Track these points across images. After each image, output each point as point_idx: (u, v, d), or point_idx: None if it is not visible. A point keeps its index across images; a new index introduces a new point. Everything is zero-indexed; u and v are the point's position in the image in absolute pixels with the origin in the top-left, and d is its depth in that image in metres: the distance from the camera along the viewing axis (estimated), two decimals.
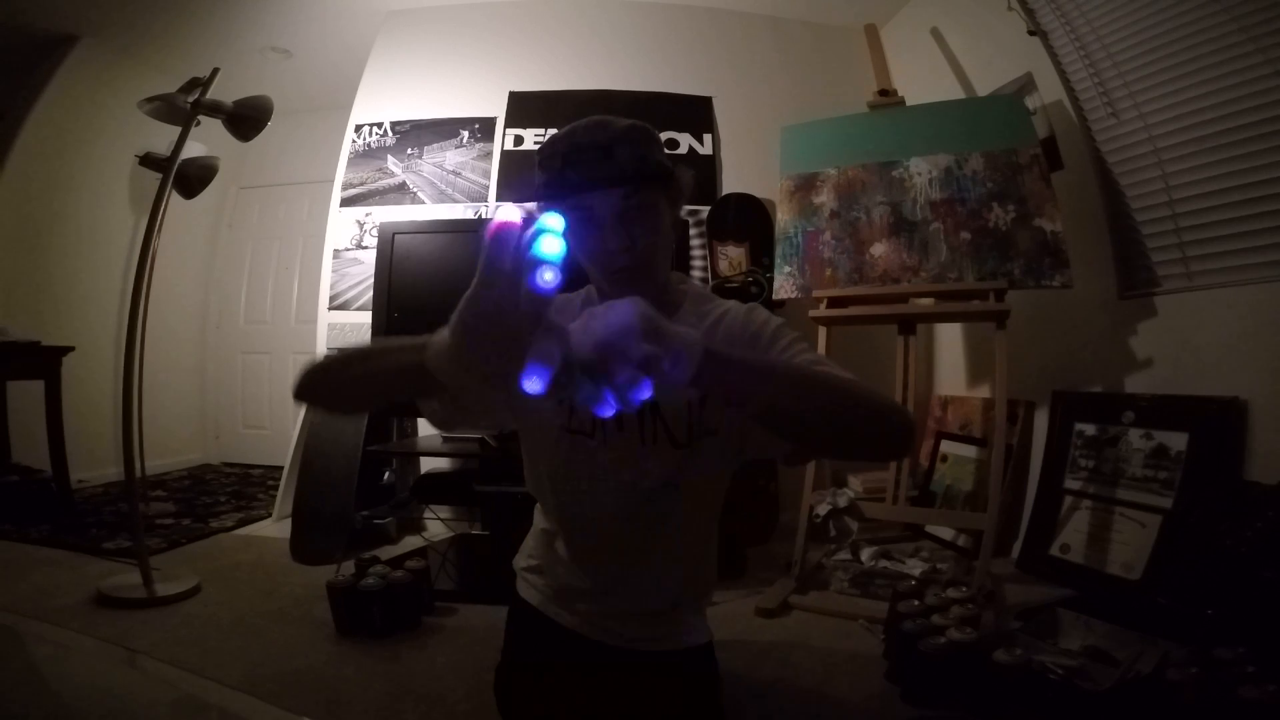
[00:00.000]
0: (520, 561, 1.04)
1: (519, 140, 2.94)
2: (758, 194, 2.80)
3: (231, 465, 4.08)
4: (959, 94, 2.59)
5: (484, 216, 2.87)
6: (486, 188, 2.93)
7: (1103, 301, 2.03)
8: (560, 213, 0.69)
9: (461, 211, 2.91)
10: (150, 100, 1.98)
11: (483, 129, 2.99)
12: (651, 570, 0.90)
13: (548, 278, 0.43)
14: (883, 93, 2.55)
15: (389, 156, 3.02)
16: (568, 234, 0.63)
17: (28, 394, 2.76)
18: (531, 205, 0.57)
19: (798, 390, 0.62)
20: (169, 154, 1.98)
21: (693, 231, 2.81)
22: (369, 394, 0.79)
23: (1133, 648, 1.32)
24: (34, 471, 2.75)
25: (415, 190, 2.97)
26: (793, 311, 2.29)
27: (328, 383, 0.78)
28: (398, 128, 3.04)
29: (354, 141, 3.06)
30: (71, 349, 2.84)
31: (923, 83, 2.71)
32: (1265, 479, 1.55)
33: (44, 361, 2.74)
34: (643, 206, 0.76)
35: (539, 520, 1.00)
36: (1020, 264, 1.91)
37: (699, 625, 1.00)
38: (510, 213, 0.45)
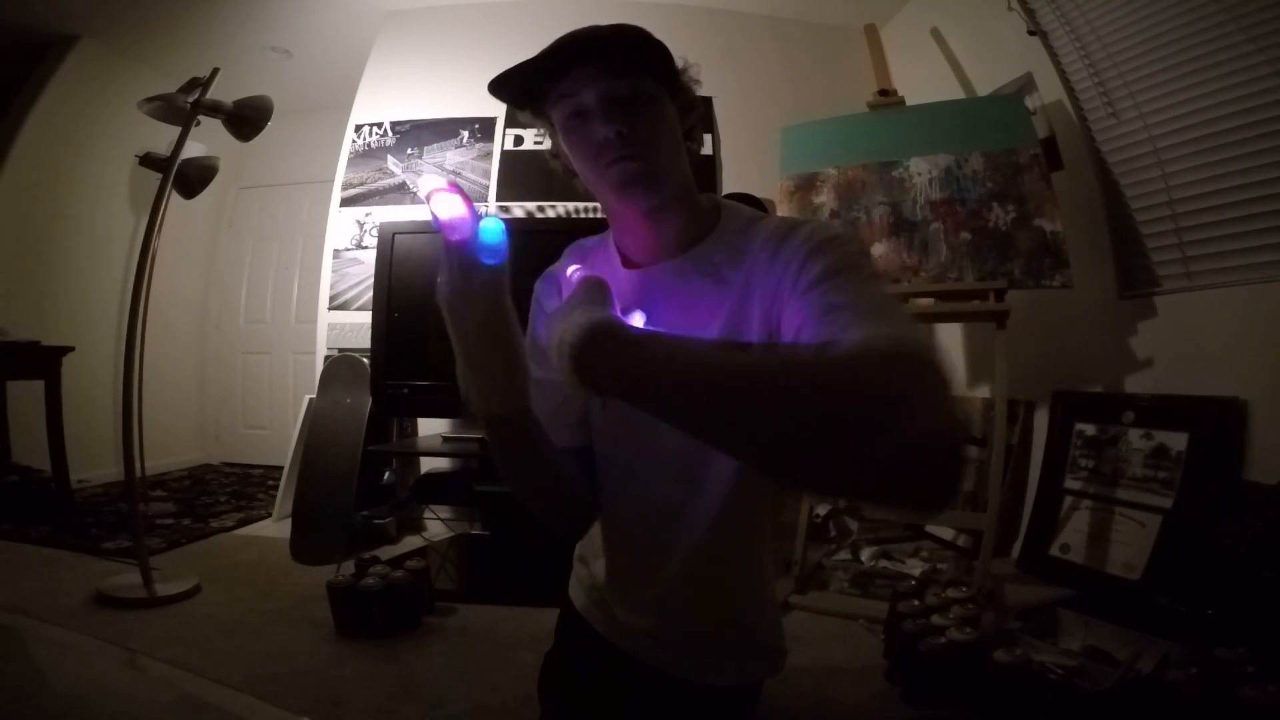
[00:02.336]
0: (577, 551, 0.95)
1: (519, 140, 2.94)
2: (758, 194, 2.77)
3: (231, 465, 4.08)
4: (959, 94, 2.59)
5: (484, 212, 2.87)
6: (486, 188, 2.93)
7: (1103, 301, 2.03)
8: (547, 112, 0.73)
9: None
10: (150, 100, 1.98)
11: (483, 129, 2.99)
12: (677, 575, 0.79)
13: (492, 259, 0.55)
14: (883, 93, 2.54)
15: (389, 156, 3.02)
16: (569, 145, 0.72)
17: (28, 394, 2.76)
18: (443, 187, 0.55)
19: (727, 408, 0.43)
20: (169, 154, 1.98)
21: None
22: (519, 472, 0.70)
23: (1133, 648, 1.32)
24: (34, 471, 2.75)
25: (415, 190, 2.97)
26: None
27: (542, 516, 0.75)
28: (398, 128, 3.04)
29: (354, 141, 3.06)
30: (71, 349, 2.84)
31: (923, 83, 2.71)
32: (1265, 479, 1.55)
33: (44, 361, 2.74)
34: (638, 94, 0.68)
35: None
36: (1020, 264, 1.91)
37: (734, 663, 0.83)
38: (440, 191, 0.53)
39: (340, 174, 3.04)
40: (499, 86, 0.71)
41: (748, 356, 0.49)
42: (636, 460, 0.78)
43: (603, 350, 0.47)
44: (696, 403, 0.45)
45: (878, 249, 2.13)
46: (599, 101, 0.67)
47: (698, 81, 0.76)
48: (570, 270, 0.62)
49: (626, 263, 0.77)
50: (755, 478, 0.75)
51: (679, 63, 0.72)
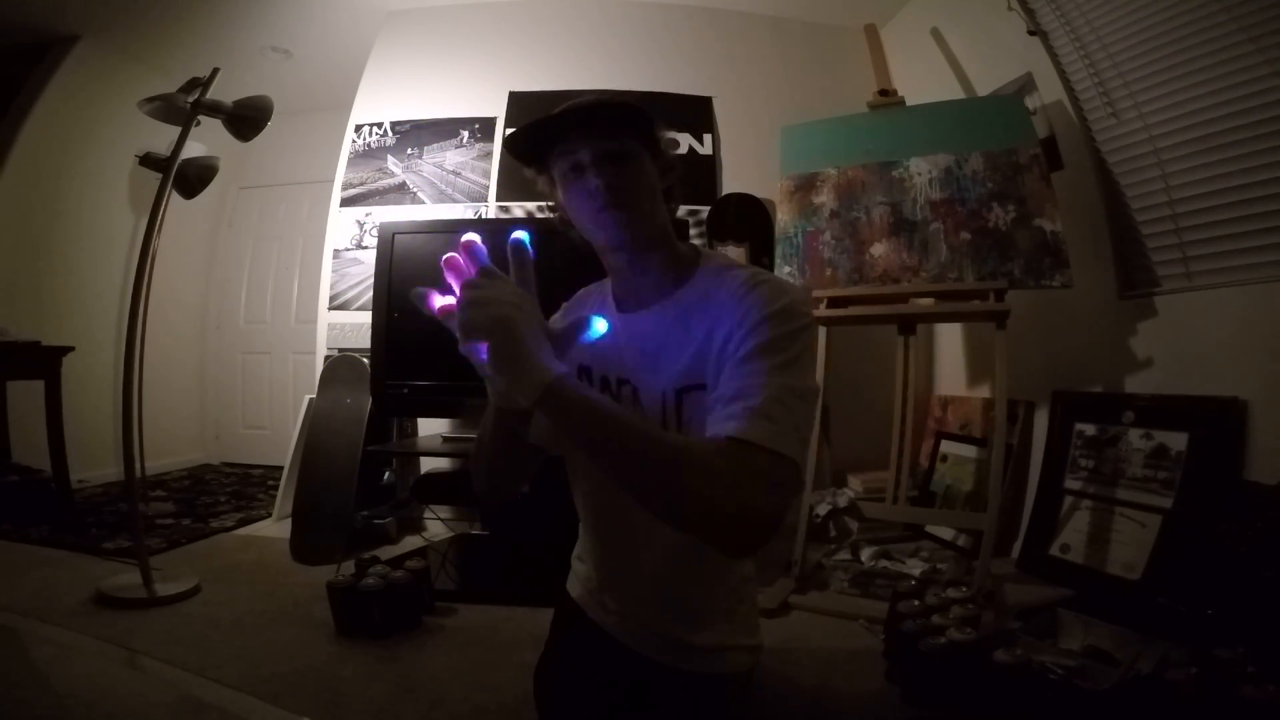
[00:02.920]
0: (575, 552, 1.06)
1: None
2: (758, 194, 2.80)
3: (231, 465, 4.08)
4: (959, 94, 2.59)
5: (484, 217, 2.87)
6: (486, 188, 2.93)
7: (1103, 301, 2.03)
8: (550, 170, 0.85)
9: (461, 211, 2.91)
10: (150, 100, 1.98)
11: (483, 129, 2.99)
12: (655, 567, 0.88)
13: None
14: (883, 93, 2.54)
15: (389, 156, 3.02)
16: (566, 196, 0.85)
17: (28, 394, 2.76)
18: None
19: (620, 467, 0.66)
20: (169, 154, 1.98)
21: (693, 232, 2.81)
22: (498, 460, 0.88)
23: (1133, 648, 1.32)
24: (34, 471, 2.75)
25: (415, 190, 2.97)
26: None
27: (480, 476, 0.91)
28: (398, 128, 3.04)
29: (354, 141, 3.06)
30: (71, 349, 2.84)
31: (923, 83, 2.71)
32: (1265, 479, 1.55)
33: (44, 361, 2.74)
34: (623, 150, 0.80)
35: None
36: (1020, 264, 1.91)
37: (721, 651, 0.91)
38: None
39: (340, 174, 3.04)
40: (512, 145, 0.84)
41: (649, 428, 0.70)
42: (596, 479, 0.90)
43: (555, 400, 0.64)
44: (602, 450, 0.66)
45: (878, 249, 2.13)
46: (592, 157, 0.79)
47: (676, 151, 0.91)
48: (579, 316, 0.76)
49: (620, 305, 0.90)
50: None
51: (660, 131, 0.85)
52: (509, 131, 0.85)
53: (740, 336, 0.75)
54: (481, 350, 0.64)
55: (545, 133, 0.81)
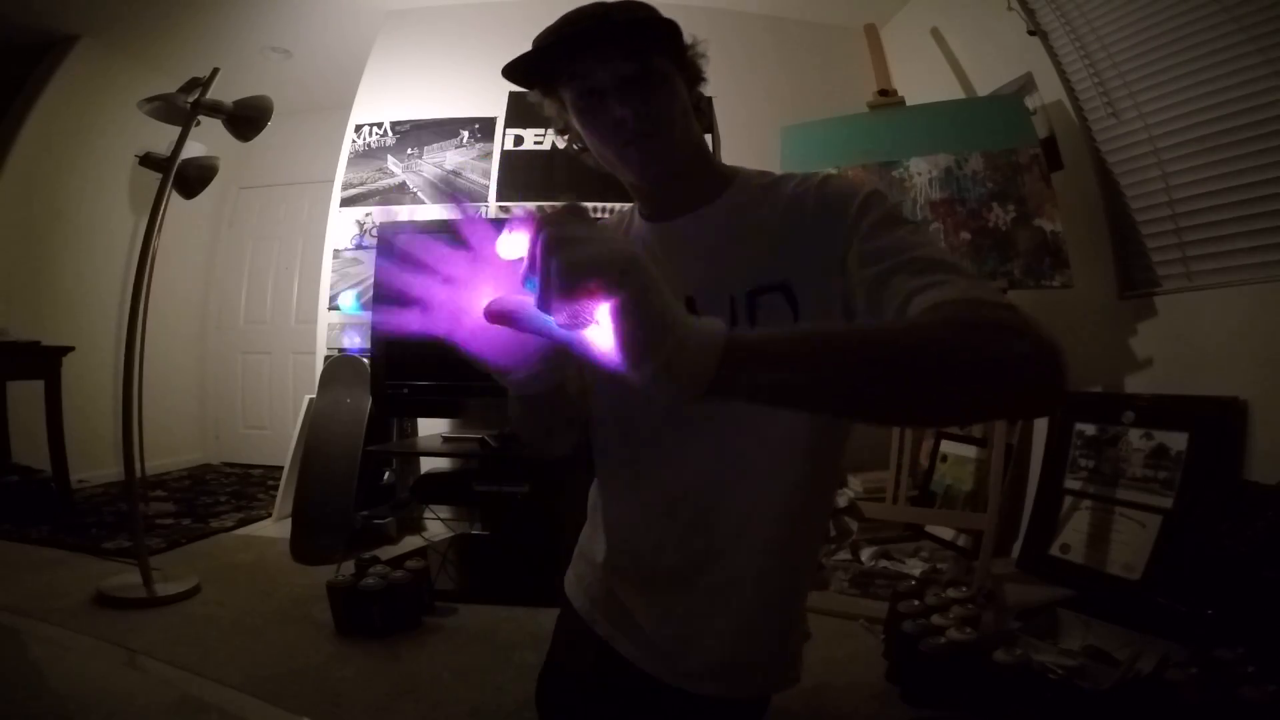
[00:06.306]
0: (578, 548, 0.92)
1: (519, 140, 2.94)
2: None
3: (231, 465, 4.08)
4: (959, 94, 2.59)
5: (484, 216, 2.87)
6: (486, 188, 2.93)
7: (1103, 301, 2.03)
8: (559, 93, 0.71)
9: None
10: (150, 100, 1.98)
11: (483, 129, 2.99)
12: (731, 572, 0.74)
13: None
14: (883, 93, 2.54)
15: (389, 156, 3.02)
16: (582, 124, 0.70)
17: (28, 394, 2.76)
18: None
19: (882, 392, 0.43)
20: (169, 154, 1.98)
21: None
22: (534, 418, 0.70)
23: (1133, 648, 1.32)
24: (34, 471, 2.75)
25: (415, 190, 2.97)
26: None
27: (529, 438, 0.74)
28: (398, 128, 3.04)
29: (354, 141, 3.06)
30: (71, 349, 2.84)
31: (923, 83, 2.71)
32: (1265, 479, 1.55)
33: (44, 361, 2.74)
34: (649, 71, 0.66)
35: (594, 497, 0.88)
36: (1020, 264, 1.91)
37: (753, 674, 0.79)
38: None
39: (340, 174, 3.04)
40: (513, 73, 0.70)
41: (876, 330, 0.51)
42: (661, 453, 0.73)
43: (743, 360, 0.39)
44: (827, 383, 0.42)
45: None
46: (613, 82, 0.66)
47: (704, 56, 0.75)
48: None
49: (650, 218, 0.78)
50: (812, 474, 0.72)
51: (687, 38, 0.72)
52: (510, 60, 0.67)
53: (852, 219, 0.63)
54: (592, 312, 0.35)
55: (550, 54, 0.66)
